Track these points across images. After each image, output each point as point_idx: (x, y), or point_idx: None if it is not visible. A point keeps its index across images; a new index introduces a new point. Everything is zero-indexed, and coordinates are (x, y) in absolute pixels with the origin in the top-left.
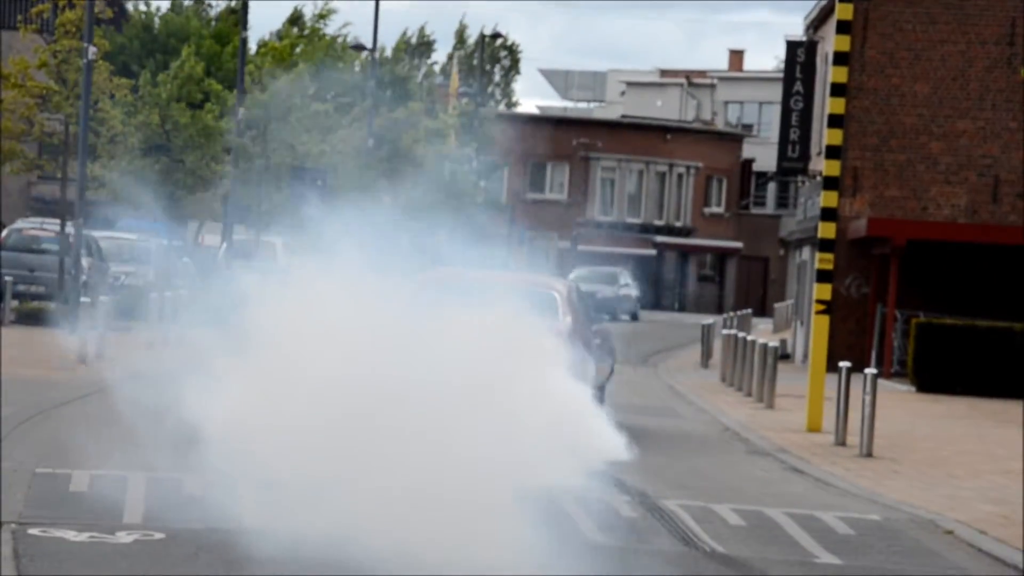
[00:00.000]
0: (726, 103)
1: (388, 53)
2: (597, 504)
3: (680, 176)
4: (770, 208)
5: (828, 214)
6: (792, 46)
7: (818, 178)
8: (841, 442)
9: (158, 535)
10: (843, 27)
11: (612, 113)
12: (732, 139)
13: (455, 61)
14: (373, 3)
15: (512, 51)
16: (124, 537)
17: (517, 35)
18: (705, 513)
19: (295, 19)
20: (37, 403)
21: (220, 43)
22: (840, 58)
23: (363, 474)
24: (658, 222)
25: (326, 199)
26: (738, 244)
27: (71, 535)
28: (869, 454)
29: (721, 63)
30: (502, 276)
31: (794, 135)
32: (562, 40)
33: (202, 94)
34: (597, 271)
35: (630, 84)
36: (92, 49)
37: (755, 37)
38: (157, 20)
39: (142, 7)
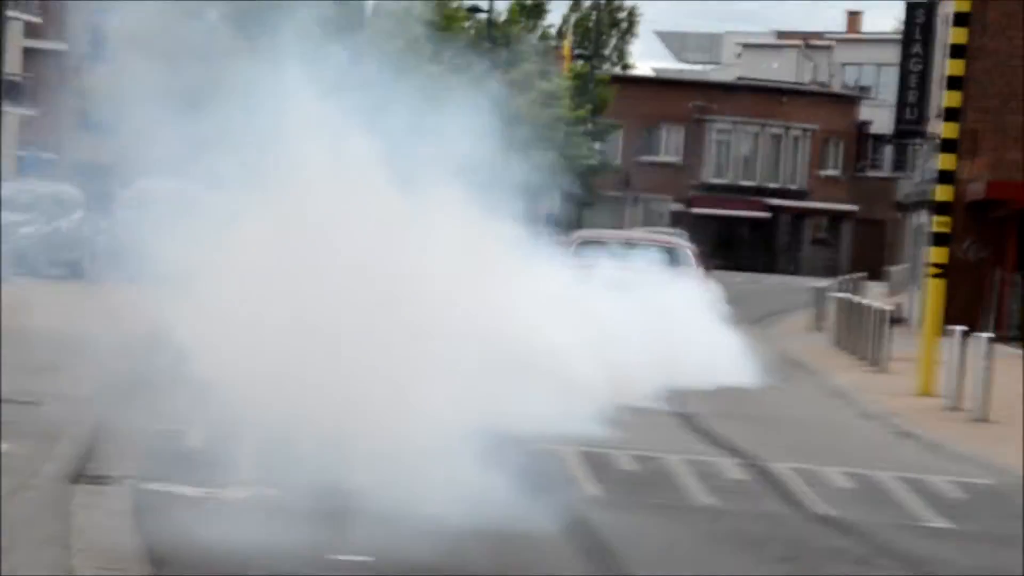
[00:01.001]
0: (843, 65)
1: (503, 15)
2: (704, 466)
3: (796, 139)
4: (886, 171)
5: (945, 177)
6: (912, 7)
7: (936, 141)
8: (954, 406)
9: (271, 491)
10: None
11: (728, 75)
12: (848, 101)
13: (570, 23)
14: None
15: (630, 14)
16: (238, 493)
17: None
18: (814, 476)
19: None
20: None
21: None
22: (960, 19)
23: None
24: (773, 184)
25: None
26: (853, 207)
27: (187, 491)
28: (983, 418)
29: (839, 25)
30: (642, 235)
31: (912, 97)
32: (678, 2)
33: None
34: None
35: (746, 46)
36: None
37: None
38: None
39: None
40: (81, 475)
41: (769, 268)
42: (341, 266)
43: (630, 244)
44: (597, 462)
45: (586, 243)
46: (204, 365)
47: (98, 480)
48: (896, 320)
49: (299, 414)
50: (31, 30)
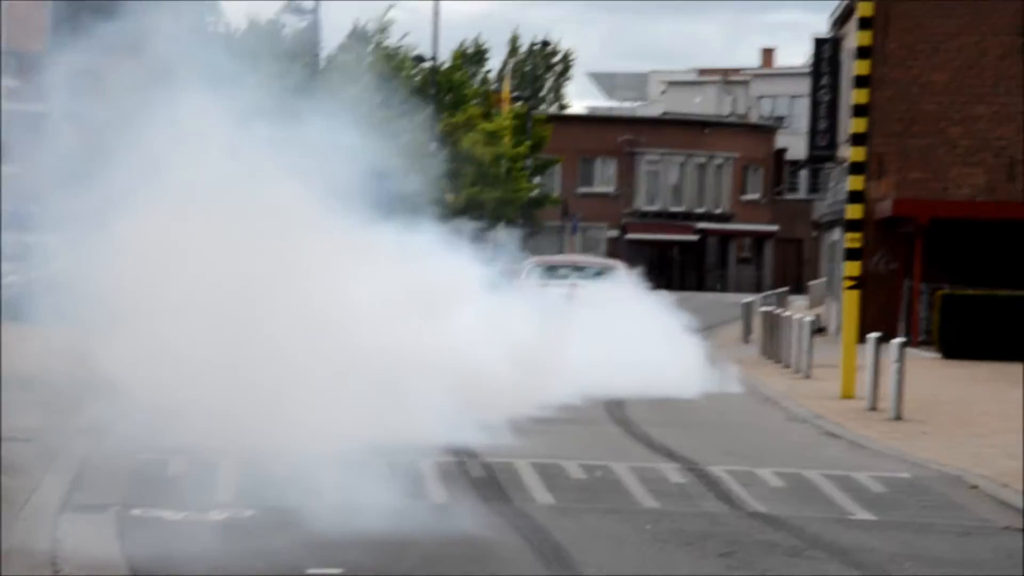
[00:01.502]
0: (759, 98)
1: (446, 63)
2: (648, 472)
3: (719, 167)
4: (802, 193)
5: (856, 197)
6: (819, 43)
7: (846, 164)
8: (873, 407)
9: (248, 512)
10: (865, 23)
11: (655, 111)
12: (766, 131)
13: (509, 68)
14: (432, 15)
15: (565, 58)
16: (217, 515)
17: (566, 41)
18: (748, 477)
19: (359, 34)
20: None
21: (292, 60)
22: (863, 52)
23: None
24: (699, 209)
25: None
26: (774, 227)
27: (169, 515)
28: (899, 417)
29: (754, 61)
30: (585, 259)
31: (823, 125)
32: (607, 44)
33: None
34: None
35: (670, 83)
36: None
37: (785, 36)
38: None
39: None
40: (68, 504)
41: (699, 286)
42: (269, 296)
43: (576, 267)
44: (547, 472)
45: (539, 266)
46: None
47: (86, 509)
48: (817, 330)
49: (221, 437)
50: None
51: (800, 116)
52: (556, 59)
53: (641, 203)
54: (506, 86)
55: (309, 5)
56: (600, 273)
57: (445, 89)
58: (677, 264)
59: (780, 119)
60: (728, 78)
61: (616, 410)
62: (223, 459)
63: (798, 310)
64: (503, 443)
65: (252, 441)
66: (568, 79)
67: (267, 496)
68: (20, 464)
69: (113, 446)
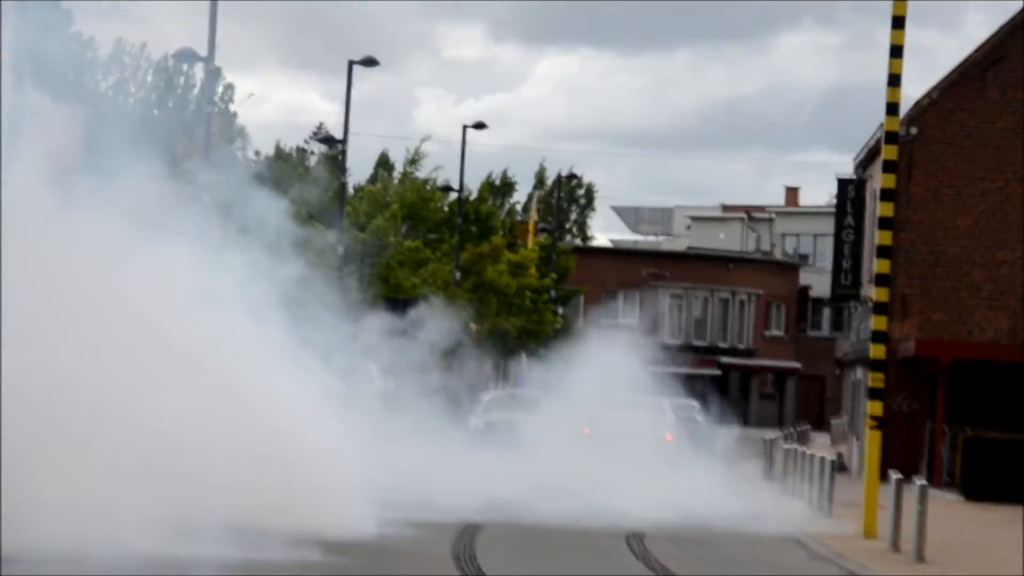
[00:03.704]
0: (783, 235)
1: (474, 193)
2: None
3: (742, 303)
4: (826, 331)
5: (879, 336)
6: (843, 184)
7: (869, 304)
8: (895, 547)
9: None
10: (889, 166)
11: (679, 245)
12: (789, 268)
13: (535, 200)
14: (460, 148)
15: (588, 191)
16: None
17: (592, 175)
18: None
19: (383, 163)
20: None
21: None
22: (887, 194)
23: None
24: (723, 344)
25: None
26: (797, 364)
27: None
28: (921, 558)
29: (778, 199)
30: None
31: (846, 264)
32: (634, 179)
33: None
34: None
35: (695, 219)
36: None
37: (810, 175)
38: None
39: (250, 155)
40: None
41: (721, 420)
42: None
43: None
44: None
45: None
46: None
47: None
48: (839, 468)
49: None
50: None
51: (824, 254)
52: (581, 191)
53: (664, 336)
54: (532, 217)
55: (338, 136)
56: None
57: (472, 219)
58: (701, 397)
59: (804, 257)
60: (753, 215)
61: (637, 544)
62: None
63: (820, 447)
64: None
65: None
66: (593, 211)
67: None
68: None
69: None
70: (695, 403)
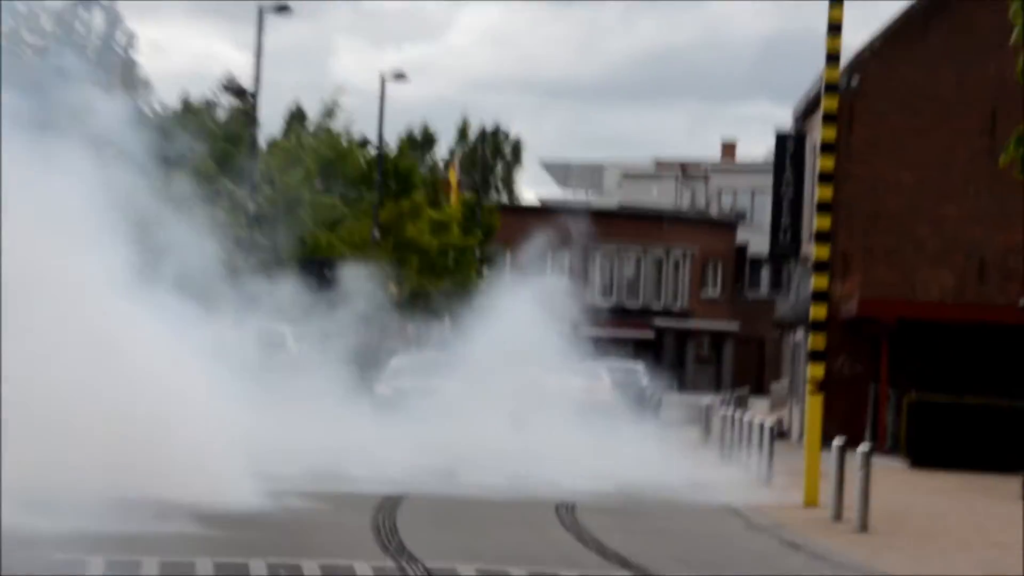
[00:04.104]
0: (720, 192)
1: (394, 148)
2: None
3: (677, 262)
4: (764, 291)
5: (820, 296)
6: (781, 138)
7: (809, 262)
8: (837, 517)
9: None
10: (829, 118)
11: (610, 202)
12: (726, 226)
13: (457, 155)
14: (378, 99)
15: (515, 146)
16: None
17: (519, 129)
18: None
19: (297, 116)
20: None
21: (231, 142)
22: (827, 147)
23: None
24: (656, 306)
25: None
26: (734, 326)
27: None
28: (865, 528)
29: (714, 154)
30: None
31: (785, 221)
32: (563, 133)
33: (215, 191)
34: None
35: (627, 175)
36: None
37: (748, 129)
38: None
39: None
40: None
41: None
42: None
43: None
44: None
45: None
46: None
47: None
48: (779, 434)
49: None
50: None
51: (763, 212)
52: (507, 146)
53: (596, 298)
54: (454, 174)
55: (249, 87)
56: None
57: (392, 175)
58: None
59: (741, 214)
60: (687, 171)
61: (567, 514)
62: None
63: (759, 412)
64: None
65: None
66: (520, 167)
67: None
68: None
69: None
70: (639, 365)
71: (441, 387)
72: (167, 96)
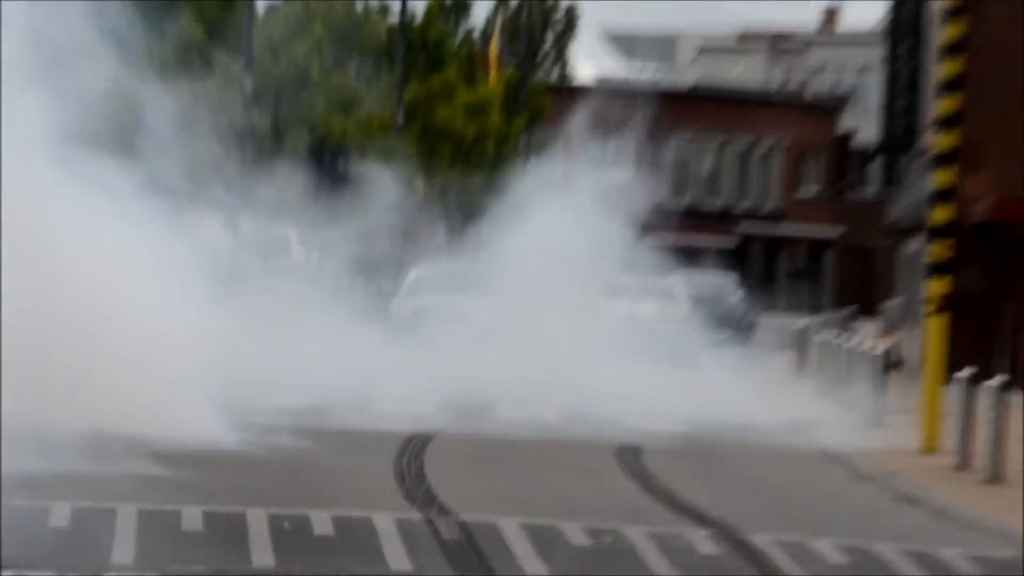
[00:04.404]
0: (818, 70)
1: (420, 15)
2: (672, 541)
3: (765, 154)
4: (873, 191)
5: (943, 196)
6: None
7: (930, 155)
8: (963, 465)
9: None
10: None
11: (685, 82)
12: (826, 111)
13: (497, 22)
14: None
15: (569, 12)
16: None
17: None
18: (801, 551)
19: None
20: None
21: (224, 3)
22: (956, 11)
23: None
24: (741, 207)
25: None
26: (836, 233)
27: None
28: (997, 479)
29: (812, 23)
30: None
31: (901, 104)
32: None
33: (205, 63)
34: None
35: (705, 49)
36: None
37: None
38: None
39: None
40: None
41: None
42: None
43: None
44: (539, 537)
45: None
46: None
47: None
48: (893, 364)
49: None
50: None
51: (871, 93)
52: (559, 13)
53: (666, 198)
54: (494, 46)
55: None
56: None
57: (419, 47)
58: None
59: (844, 97)
60: (779, 44)
61: (630, 459)
62: None
63: (867, 338)
64: None
65: None
66: (574, 39)
67: None
68: None
69: None
70: (728, 279)
71: (471, 307)
72: None
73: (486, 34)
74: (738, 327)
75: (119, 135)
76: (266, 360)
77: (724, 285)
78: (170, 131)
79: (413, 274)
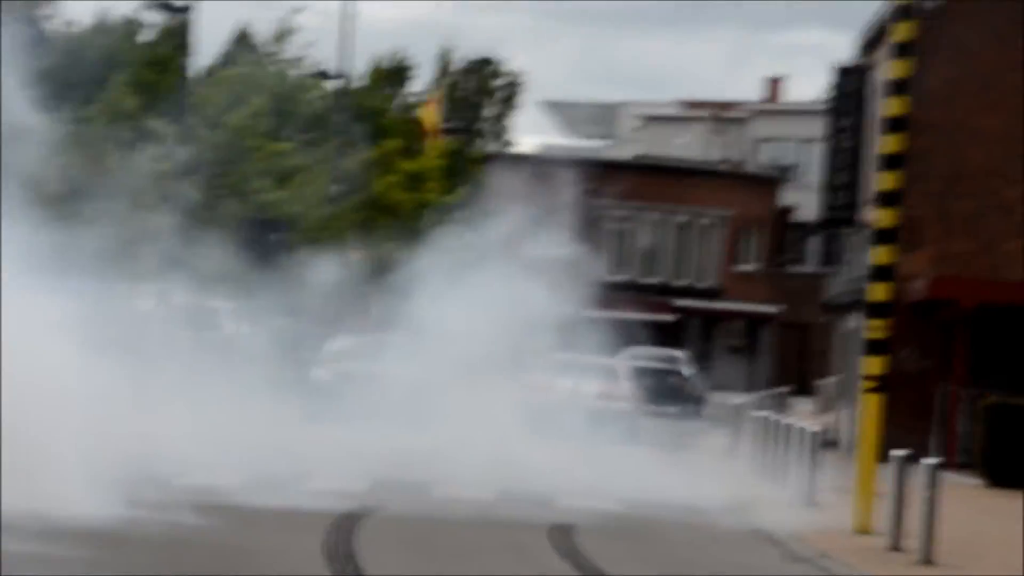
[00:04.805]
0: (760, 141)
1: (361, 81)
2: None
3: (704, 228)
4: (812, 266)
5: (881, 273)
6: (843, 74)
7: (870, 230)
8: (895, 547)
9: None
10: (902, 50)
11: (626, 152)
12: (767, 184)
13: (438, 91)
14: (343, 22)
15: (511, 81)
16: None
17: (516, 60)
18: None
19: (243, 39)
20: None
21: (158, 71)
22: (898, 87)
23: None
24: (679, 282)
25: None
26: (774, 308)
27: None
28: (928, 560)
29: (756, 94)
30: None
31: (842, 179)
32: (570, 66)
33: (136, 132)
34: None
35: (647, 118)
36: None
37: (798, 63)
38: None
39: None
40: None
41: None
42: None
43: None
44: None
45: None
46: None
47: None
48: (826, 444)
49: None
50: None
51: (812, 167)
52: (500, 81)
53: (604, 272)
54: (433, 114)
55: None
56: None
57: (358, 115)
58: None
59: (786, 169)
60: (721, 114)
61: (563, 539)
62: None
63: (802, 417)
64: None
65: None
66: (516, 107)
67: None
68: None
69: None
70: (681, 354)
71: (392, 374)
72: (78, 12)
73: (425, 103)
74: (689, 401)
75: (49, 204)
76: (186, 435)
77: (677, 359)
78: (102, 202)
79: (337, 343)
